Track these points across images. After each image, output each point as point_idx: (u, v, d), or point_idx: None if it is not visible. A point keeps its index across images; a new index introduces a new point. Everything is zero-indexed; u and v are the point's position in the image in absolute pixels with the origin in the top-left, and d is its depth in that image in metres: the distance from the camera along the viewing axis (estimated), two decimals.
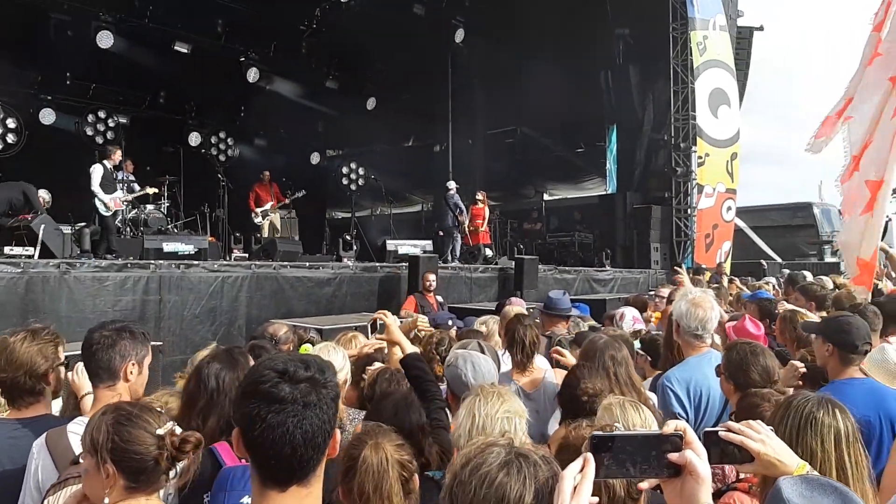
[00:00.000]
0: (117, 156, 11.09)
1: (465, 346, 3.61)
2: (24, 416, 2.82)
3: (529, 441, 2.40)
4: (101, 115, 15.83)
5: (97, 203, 10.56)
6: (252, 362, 2.56)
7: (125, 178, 12.62)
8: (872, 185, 8.14)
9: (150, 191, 12.55)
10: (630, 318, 6.11)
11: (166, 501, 2.21)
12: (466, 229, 14.61)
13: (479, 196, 15.24)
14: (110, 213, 10.69)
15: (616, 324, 6.08)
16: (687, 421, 3.58)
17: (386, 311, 3.76)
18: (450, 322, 6.40)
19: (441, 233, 14.52)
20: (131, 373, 2.74)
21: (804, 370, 3.69)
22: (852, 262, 8.55)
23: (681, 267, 9.89)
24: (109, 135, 15.70)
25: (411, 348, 3.50)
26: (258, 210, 15.45)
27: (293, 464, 1.54)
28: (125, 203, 11.87)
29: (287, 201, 15.92)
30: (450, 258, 13.31)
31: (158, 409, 2.11)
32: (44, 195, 11.36)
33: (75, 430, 2.50)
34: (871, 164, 8.16)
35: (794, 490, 1.43)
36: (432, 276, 9.56)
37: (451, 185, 14.77)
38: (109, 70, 15.44)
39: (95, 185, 10.53)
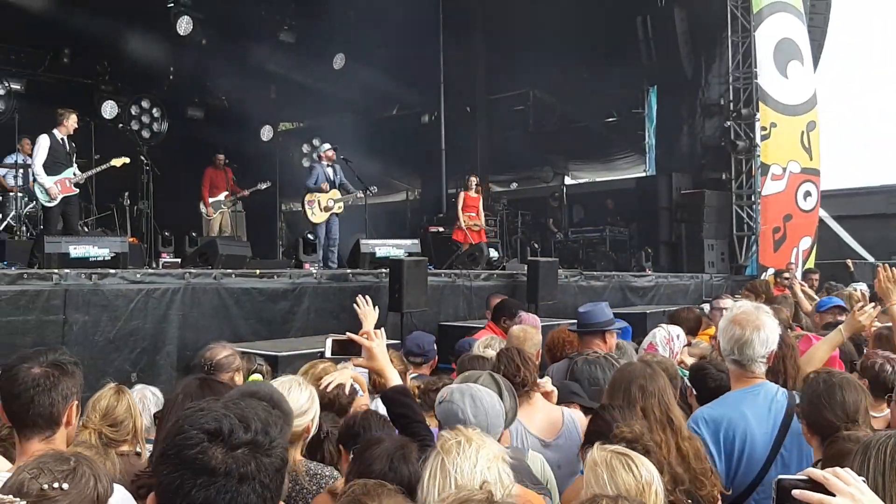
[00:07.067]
0: (72, 121, 10.76)
1: (470, 379, 3.50)
2: None
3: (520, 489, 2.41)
4: None
5: (36, 189, 10.50)
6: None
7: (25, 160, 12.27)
8: None
9: (118, 162, 11.64)
10: (662, 339, 6.04)
11: None
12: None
13: (472, 181, 15.33)
14: (54, 203, 10.55)
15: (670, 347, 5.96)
16: (717, 472, 3.64)
17: (372, 330, 3.75)
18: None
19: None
20: (75, 416, 2.78)
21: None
22: None
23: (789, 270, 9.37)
24: None
25: (397, 379, 3.48)
26: (210, 201, 15.40)
27: None
28: (76, 186, 11.04)
29: (246, 193, 15.90)
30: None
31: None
32: None
33: None
34: None
35: None
36: None
37: (325, 147, 14.31)
38: None
39: (37, 166, 10.35)
